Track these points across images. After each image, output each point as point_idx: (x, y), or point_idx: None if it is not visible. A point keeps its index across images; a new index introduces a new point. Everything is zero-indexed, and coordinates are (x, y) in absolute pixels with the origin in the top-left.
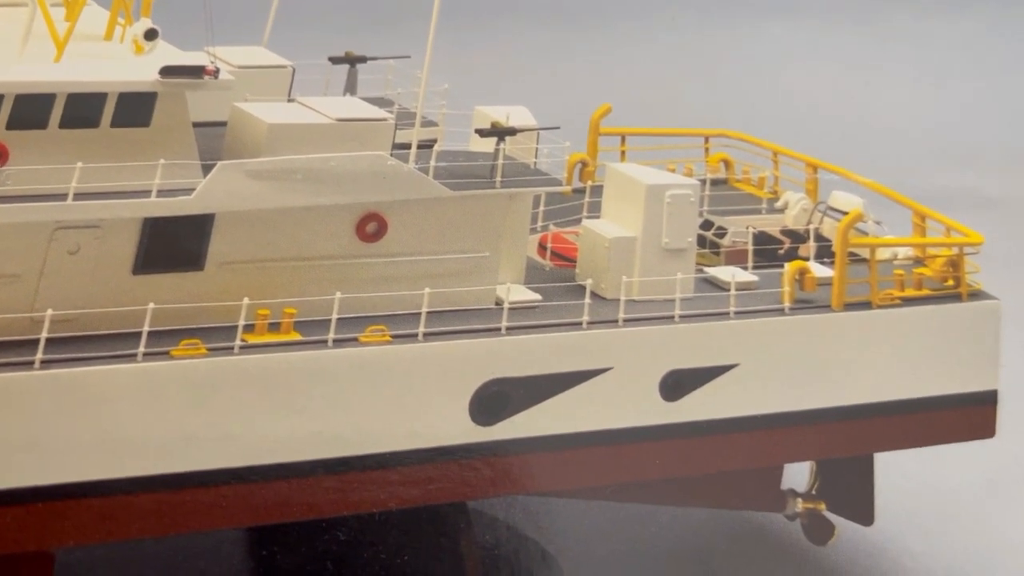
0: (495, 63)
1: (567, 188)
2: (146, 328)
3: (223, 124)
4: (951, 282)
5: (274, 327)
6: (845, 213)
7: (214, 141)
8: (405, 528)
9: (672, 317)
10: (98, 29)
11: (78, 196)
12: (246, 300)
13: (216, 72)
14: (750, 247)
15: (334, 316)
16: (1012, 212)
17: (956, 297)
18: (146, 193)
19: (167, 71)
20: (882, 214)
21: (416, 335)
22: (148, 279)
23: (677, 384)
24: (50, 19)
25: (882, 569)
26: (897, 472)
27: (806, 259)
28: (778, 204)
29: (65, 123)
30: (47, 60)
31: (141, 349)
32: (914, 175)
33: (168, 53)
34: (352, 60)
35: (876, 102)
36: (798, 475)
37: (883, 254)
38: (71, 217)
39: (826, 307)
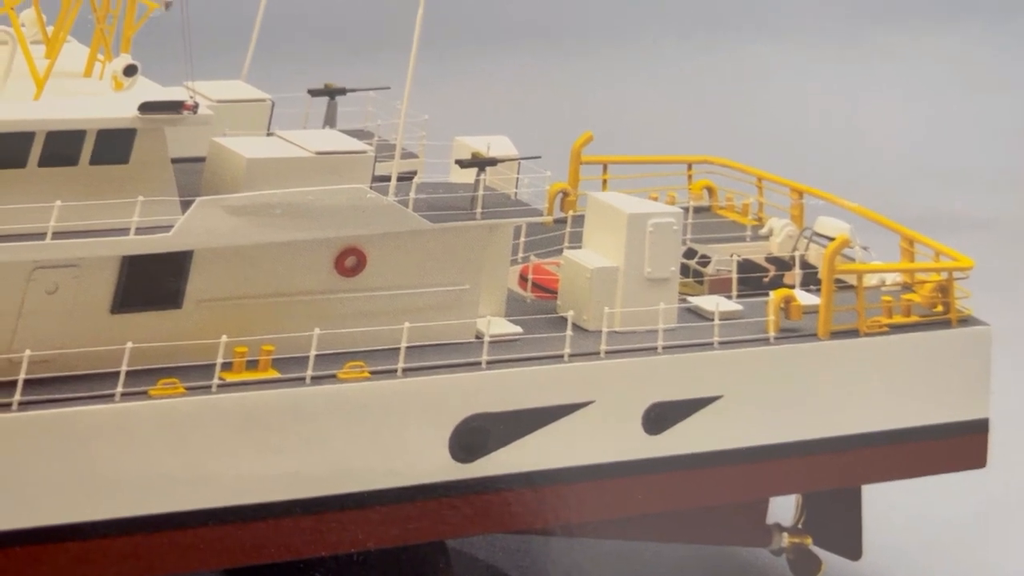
0: (475, 93)
1: (548, 218)
2: (124, 368)
3: (202, 159)
4: (940, 308)
5: (252, 365)
6: (831, 239)
7: (193, 177)
8: (384, 568)
9: (655, 348)
10: (78, 66)
11: (56, 235)
12: (224, 338)
13: (195, 107)
14: (734, 275)
15: (312, 353)
16: (1002, 234)
17: (946, 323)
18: (124, 231)
19: (146, 107)
20: (869, 239)
21: (395, 371)
22: (126, 318)
23: (660, 417)
24: (30, 57)
25: None
26: (885, 505)
27: (792, 287)
28: (763, 231)
29: (44, 161)
30: (27, 98)
31: (119, 389)
32: (902, 197)
33: (147, 88)
34: (331, 92)
35: (862, 124)
36: (784, 509)
37: (870, 280)
38: (50, 256)
39: (812, 336)
